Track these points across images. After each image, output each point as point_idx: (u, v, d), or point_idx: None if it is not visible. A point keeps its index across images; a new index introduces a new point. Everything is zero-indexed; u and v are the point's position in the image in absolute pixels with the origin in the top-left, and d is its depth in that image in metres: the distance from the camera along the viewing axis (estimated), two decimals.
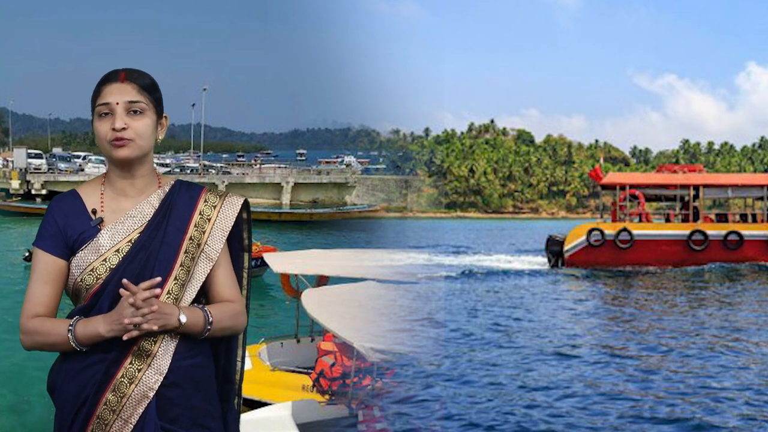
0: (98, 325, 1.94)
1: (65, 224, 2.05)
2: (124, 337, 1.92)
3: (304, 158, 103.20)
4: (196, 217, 2.11)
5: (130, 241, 2.04)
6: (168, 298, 2.03)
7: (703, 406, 8.95)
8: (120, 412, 1.96)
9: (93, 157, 63.65)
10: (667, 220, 26.15)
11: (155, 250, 2.04)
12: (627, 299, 18.57)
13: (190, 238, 2.08)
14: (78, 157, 66.09)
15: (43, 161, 57.79)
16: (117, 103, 2.03)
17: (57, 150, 75.73)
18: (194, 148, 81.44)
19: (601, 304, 18.02)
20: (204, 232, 2.11)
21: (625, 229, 24.26)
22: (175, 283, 2.04)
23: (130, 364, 1.98)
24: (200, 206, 2.13)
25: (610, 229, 24.42)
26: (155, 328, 1.92)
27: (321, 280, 9.89)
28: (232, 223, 2.15)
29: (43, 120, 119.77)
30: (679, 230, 24.64)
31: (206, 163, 69.00)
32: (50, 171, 55.88)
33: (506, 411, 8.69)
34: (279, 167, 64.77)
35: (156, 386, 1.98)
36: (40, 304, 2.03)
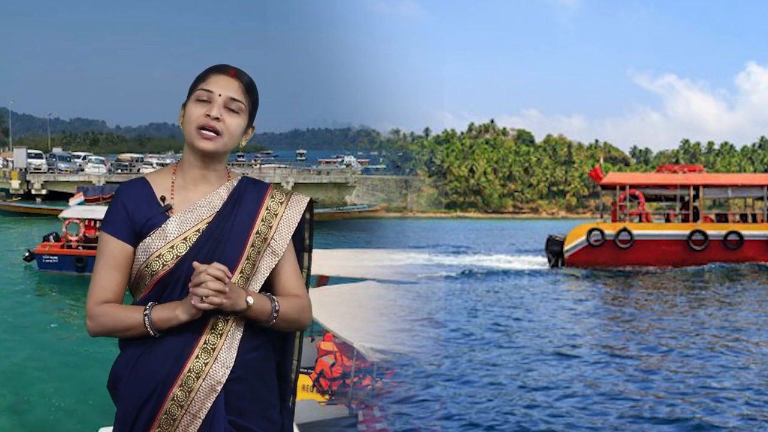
0: (176, 308, 1.94)
1: (134, 209, 2.04)
2: (195, 304, 1.90)
3: (304, 158, 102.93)
4: (263, 212, 2.12)
5: (198, 230, 2.04)
6: None
7: (703, 406, 8.95)
8: (188, 407, 1.95)
9: (93, 157, 63.70)
10: (667, 220, 26.15)
11: (223, 242, 2.04)
12: (627, 299, 18.57)
13: (257, 232, 2.09)
14: (78, 157, 66.05)
15: (43, 161, 57.78)
16: (220, 95, 2.04)
17: (57, 150, 75.70)
18: None
19: (601, 304, 18.02)
20: (271, 227, 2.12)
21: (625, 229, 24.27)
22: (240, 276, 2.04)
23: (196, 358, 1.96)
24: (267, 201, 2.15)
25: (610, 229, 24.43)
26: (225, 302, 1.91)
27: (321, 280, 9.90)
28: (299, 220, 2.17)
29: (43, 120, 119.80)
30: (679, 230, 24.64)
31: None
32: (50, 171, 55.84)
33: (506, 411, 8.70)
34: (279, 167, 64.67)
35: (224, 380, 1.97)
36: (108, 290, 2.02)
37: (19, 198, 50.13)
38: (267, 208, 2.13)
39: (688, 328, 14.22)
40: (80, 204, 21.95)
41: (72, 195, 24.39)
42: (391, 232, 41.07)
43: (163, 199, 2.07)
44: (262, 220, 2.11)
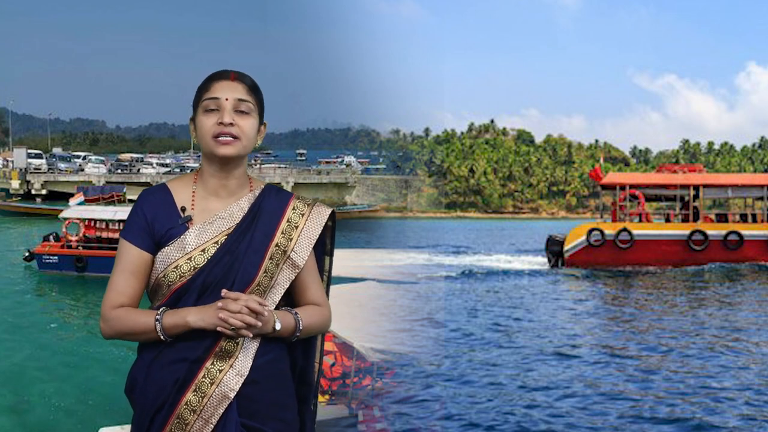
0: (187, 315, 1.95)
1: (153, 218, 2.05)
2: (222, 330, 1.93)
3: (304, 158, 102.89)
4: (283, 224, 2.11)
5: (216, 242, 2.04)
6: None
7: (703, 406, 8.95)
8: (201, 412, 1.96)
9: (93, 157, 63.73)
10: (667, 220, 26.15)
11: (241, 255, 2.04)
12: (627, 299, 18.57)
13: (277, 245, 2.08)
14: (78, 157, 66.08)
15: (43, 161, 57.82)
16: (227, 99, 2.03)
17: (57, 150, 75.73)
18: (194, 148, 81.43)
19: (601, 304, 18.01)
20: (291, 240, 2.11)
21: (625, 229, 24.26)
22: (257, 289, 2.04)
23: (211, 365, 1.98)
24: (288, 213, 2.13)
25: (610, 229, 24.42)
26: (250, 335, 1.95)
27: None
28: (319, 232, 2.16)
29: (43, 120, 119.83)
30: (679, 230, 24.64)
31: None
32: (50, 171, 55.84)
33: (506, 411, 8.69)
34: (279, 167, 64.63)
35: (237, 387, 1.99)
36: (124, 295, 2.02)
37: (19, 198, 50.14)
38: (288, 220, 2.12)
39: (688, 328, 14.21)
40: (80, 204, 21.93)
41: (72, 195, 24.38)
42: (391, 232, 41.04)
43: (183, 209, 2.06)
44: (282, 233, 2.10)
